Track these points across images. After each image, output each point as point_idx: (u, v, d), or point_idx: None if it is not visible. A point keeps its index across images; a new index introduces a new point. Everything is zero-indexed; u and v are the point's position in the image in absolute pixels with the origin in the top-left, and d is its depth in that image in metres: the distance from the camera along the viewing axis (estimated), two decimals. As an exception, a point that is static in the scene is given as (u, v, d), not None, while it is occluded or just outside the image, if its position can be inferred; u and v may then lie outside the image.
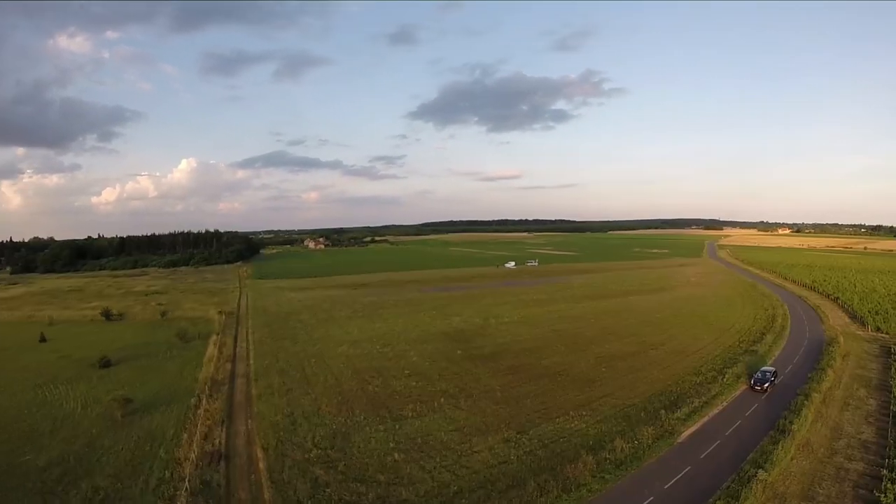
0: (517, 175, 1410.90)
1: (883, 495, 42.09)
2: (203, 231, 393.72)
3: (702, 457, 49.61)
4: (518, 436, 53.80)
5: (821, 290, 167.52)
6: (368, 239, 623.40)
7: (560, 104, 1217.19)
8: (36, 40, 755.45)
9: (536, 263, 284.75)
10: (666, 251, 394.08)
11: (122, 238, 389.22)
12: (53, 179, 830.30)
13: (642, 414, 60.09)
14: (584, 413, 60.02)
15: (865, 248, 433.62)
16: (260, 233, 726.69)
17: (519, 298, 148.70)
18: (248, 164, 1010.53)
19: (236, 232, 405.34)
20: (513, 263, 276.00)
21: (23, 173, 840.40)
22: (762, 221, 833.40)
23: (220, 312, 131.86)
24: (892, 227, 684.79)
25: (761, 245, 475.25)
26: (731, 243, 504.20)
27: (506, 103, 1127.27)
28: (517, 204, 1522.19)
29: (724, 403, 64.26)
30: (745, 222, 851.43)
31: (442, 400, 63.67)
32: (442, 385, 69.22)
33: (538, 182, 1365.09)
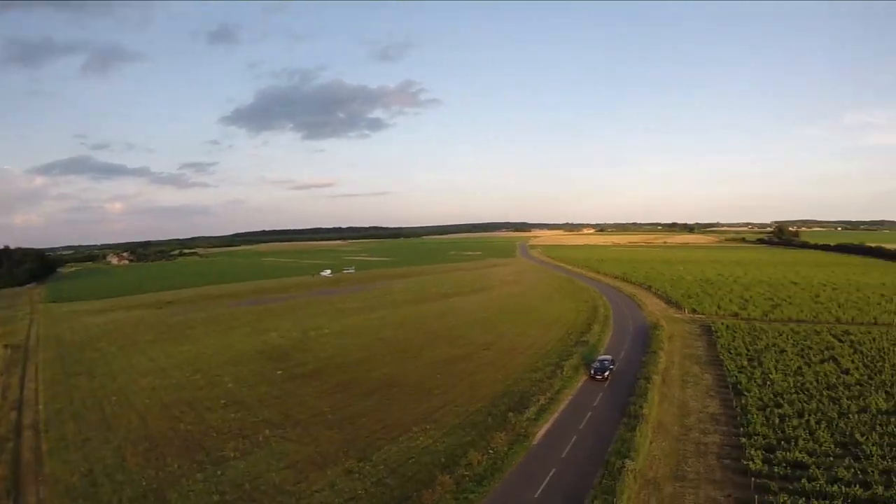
0: (331, 183, 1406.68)
1: (751, 462, 46.09)
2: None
3: (563, 455, 50.42)
4: (361, 464, 49.80)
5: (633, 280, 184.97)
6: (176, 252, 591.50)
7: (377, 113, 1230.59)
8: None
9: (353, 270, 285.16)
10: (479, 253, 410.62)
11: None
12: None
13: (489, 419, 60.55)
14: (427, 427, 59.27)
15: (665, 243, 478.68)
16: (59, 249, 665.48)
17: (338, 307, 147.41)
18: (46, 169, 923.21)
19: (28, 249, 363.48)
20: (329, 272, 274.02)
21: None
22: (567, 223, 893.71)
23: (5, 346, 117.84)
24: (685, 223, 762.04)
25: (569, 244, 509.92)
26: (541, 243, 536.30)
27: (323, 110, 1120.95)
28: (331, 212, 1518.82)
29: (570, 396, 67.67)
30: (552, 224, 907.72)
31: (267, 432, 59.60)
32: (264, 413, 65.61)
33: (352, 190, 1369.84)
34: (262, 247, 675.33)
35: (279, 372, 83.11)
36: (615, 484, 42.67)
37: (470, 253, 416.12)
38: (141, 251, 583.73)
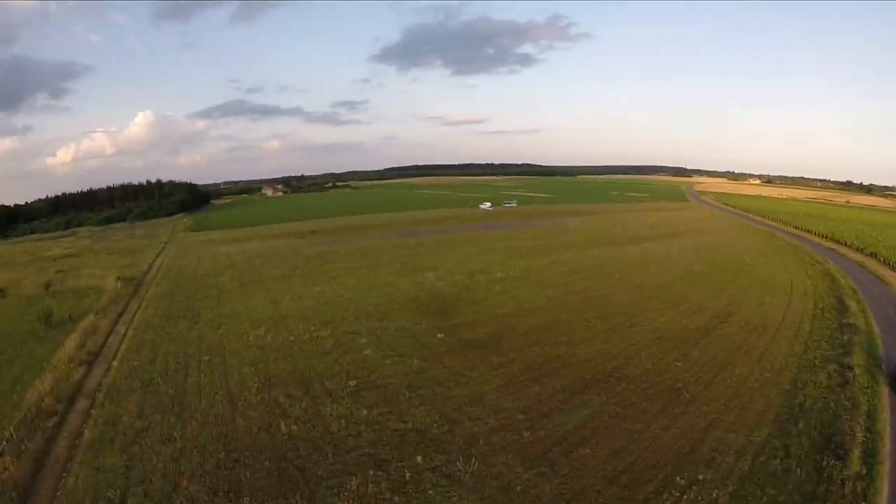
0: (482, 119, 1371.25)
1: None
2: (144, 182, 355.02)
3: None
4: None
5: (844, 242, 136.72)
6: (329, 185, 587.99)
7: (526, 48, 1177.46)
8: None
9: (515, 205, 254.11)
10: (646, 195, 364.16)
11: (55, 197, 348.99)
12: (5, 143, 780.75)
13: (795, 467, 31.41)
14: (700, 477, 30.17)
15: (848, 202, 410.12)
16: (221, 184, 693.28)
17: (508, 245, 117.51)
18: (206, 114, 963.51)
19: (181, 182, 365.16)
20: (489, 204, 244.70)
21: None
22: (729, 171, 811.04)
23: (118, 279, 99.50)
24: (861, 183, 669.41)
25: (741, 193, 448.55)
26: (709, 189, 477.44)
27: (471, 46, 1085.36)
28: (482, 148, 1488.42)
29: (890, 427, 36.84)
30: (712, 171, 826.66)
31: (419, 458, 31.91)
32: (416, 416, 37.67)
33: (503, 127, 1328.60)
34: (416, 180, 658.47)
35: (440, 335, 54.48)
36: None
37: (635, 194, 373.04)
38: (295, 183, 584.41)
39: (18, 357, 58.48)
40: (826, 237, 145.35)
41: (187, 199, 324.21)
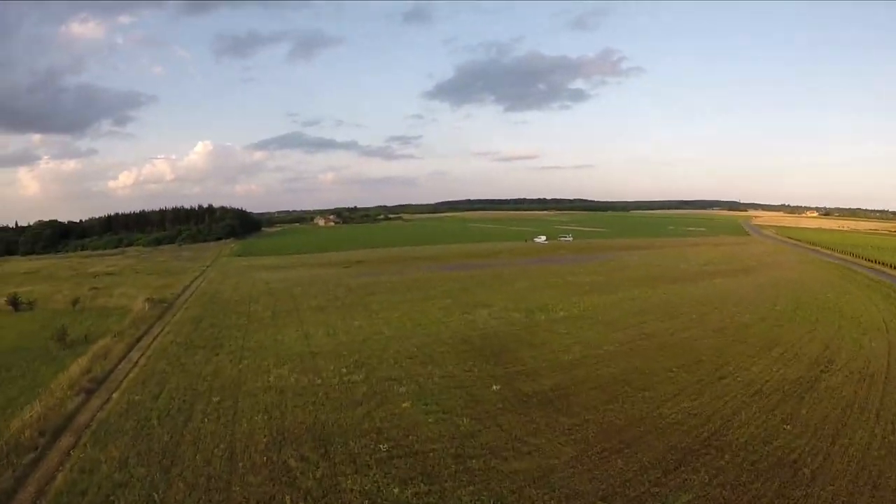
0: (534, 155, 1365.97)
1: None
2: (196, 207, 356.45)
3: None
4: None
5: None
6: (381, 216, 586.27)
7: (578, 83, 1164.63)
8: (48, 28, 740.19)
9: (571, 239, 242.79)
10: (703, 229, 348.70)
11: (108, 216, 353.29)
12: (70, 165, 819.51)
13: None
14: None
15: None
16: (275, 213, 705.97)
17: (567, 280, 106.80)
18: (263, 145, 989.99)
19: (231, 208, 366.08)
20: (543, 238, 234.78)
21: (39, 159, 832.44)
22: (784, 204, 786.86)
23: (147, 300, 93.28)
24: None
25: (801, 226, 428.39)
26: (768, 223, 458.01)
27: (523, 82, 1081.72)
28: (534, 184, 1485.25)
29: None
30: (766, 205, 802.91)
31: None
32: (463, 496, 27.81)
33: (555, 162, 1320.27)
34: (467, 214, 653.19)
35: (495, 387, 44.24)
36: None
37: (693, 228, 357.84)
38: (347, 214, 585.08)
39: (22, 376, 53.09)
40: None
41: (237, 224, 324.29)
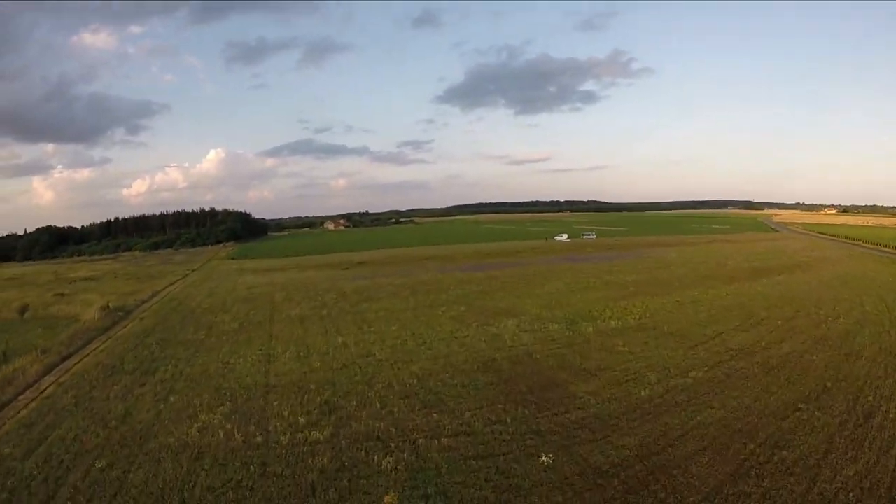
0: (546, 157, 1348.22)
1: None
2: (197, 210, 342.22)
3: None
4: None
5: None
6: (392, 220, 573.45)
7: (588, 85, 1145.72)
8: (59, 37, 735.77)
9: (594, 236, 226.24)
10: (727, 227, 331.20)
11: (108, 221, 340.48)
12: (84, 173, 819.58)
13: None
14: None
15: None
16: (286, 219, 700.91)
17: (605, 280, 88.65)
18: (275, 152, 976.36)
19: (233, 211, 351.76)
20: (565, 236, 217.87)
21: (53, 168, 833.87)
22: (799, 202, 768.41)
23: (102, 308, 78.42)
24: None
25: (823, 222, 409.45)
26: (789, 220, 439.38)
27: (533, 85, 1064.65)
28: (547, 187, 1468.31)
29: None
30: (781, 203, 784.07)
31: None
32: None
33: (568, 164, 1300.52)
34: (480, 217, 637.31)
35: (545, 459, 26.28)
36: None
37: (716, 226, 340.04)
38: (357, 218, 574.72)
39: None
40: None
41: (238, 227, 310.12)
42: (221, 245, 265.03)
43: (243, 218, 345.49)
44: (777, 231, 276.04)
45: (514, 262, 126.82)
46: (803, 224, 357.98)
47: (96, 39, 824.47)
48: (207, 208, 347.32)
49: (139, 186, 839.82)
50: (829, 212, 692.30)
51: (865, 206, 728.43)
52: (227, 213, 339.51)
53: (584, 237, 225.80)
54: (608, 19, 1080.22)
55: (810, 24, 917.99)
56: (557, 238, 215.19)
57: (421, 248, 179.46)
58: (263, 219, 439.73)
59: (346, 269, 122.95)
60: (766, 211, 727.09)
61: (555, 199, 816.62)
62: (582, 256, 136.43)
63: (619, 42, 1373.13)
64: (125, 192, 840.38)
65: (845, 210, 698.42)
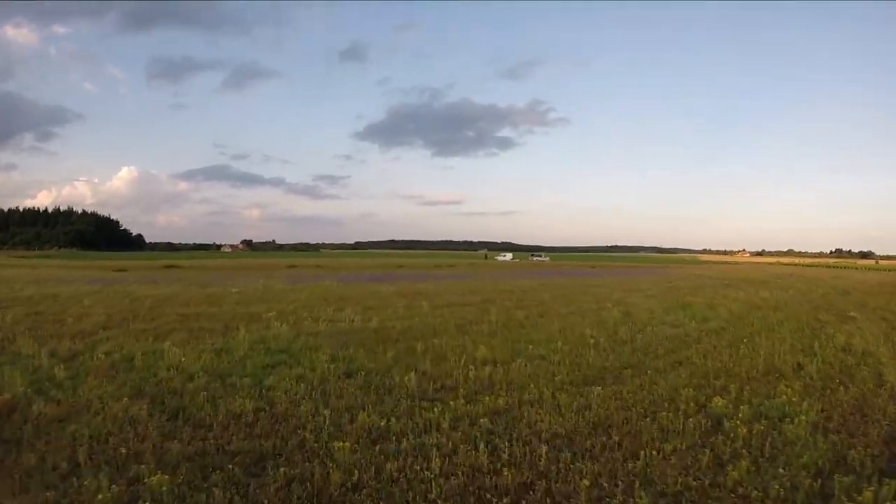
0: (459, 200, 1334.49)
1: None
2: (51, 210, 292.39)
3: None
4: None
5: None
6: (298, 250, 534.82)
7: (506, 132, 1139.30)
8: None
9: (547, 259, 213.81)
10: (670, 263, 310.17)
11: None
12: None
13: None
14: None
15: (878, 262, 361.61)
16: (191, 245, 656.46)
17: (626, 288, 45.46)
18: (189, 175, 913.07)
19: (89, 214, 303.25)
20: (509, 255, 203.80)
21: None
22: (706, 249, 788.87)
23: None
24: (851, 251, 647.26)
25: (744, 263, 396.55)
26: (713, 260, 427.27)
27: (452, 128, 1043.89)
28: (460, 228, 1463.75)
29: None
30: (689, 249, 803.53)
31: None
32: None
33: (481, 208, 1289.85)
34: (391, 252, 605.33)
35: None
36: None
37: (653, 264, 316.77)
38: (259, 245, 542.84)
39: None
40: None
41: (90, 232, 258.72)
42: (55, 249, 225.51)
43: (101, 222, 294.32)
44: (721, 264, 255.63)
45: (448, 274, 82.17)
46: (730, 265, 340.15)
47: (18, 34, 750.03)
48: (64, 208, 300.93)
49: (44, 198, 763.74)
50: (744, 256, 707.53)
51: (778, 251, 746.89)
52: (83, 214, 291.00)
53: (534, 258, 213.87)
54: (531, 68, 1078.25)
55: (717, 85, 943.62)
56: (499, 258, 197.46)
57: (302, 259, 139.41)
58: (141, 234, 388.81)
59: (121, 270, 74.91)
60: (678, 255, 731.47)
61: (468, 240, 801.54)
62: (554, 272, 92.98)
63: (539, 92, 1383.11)
64: (29, 202, 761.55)
65: (759, 253, 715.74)
